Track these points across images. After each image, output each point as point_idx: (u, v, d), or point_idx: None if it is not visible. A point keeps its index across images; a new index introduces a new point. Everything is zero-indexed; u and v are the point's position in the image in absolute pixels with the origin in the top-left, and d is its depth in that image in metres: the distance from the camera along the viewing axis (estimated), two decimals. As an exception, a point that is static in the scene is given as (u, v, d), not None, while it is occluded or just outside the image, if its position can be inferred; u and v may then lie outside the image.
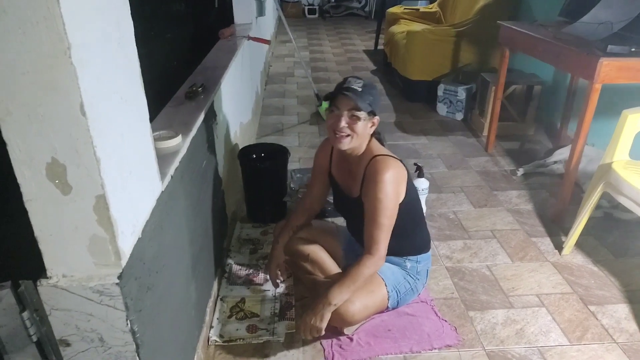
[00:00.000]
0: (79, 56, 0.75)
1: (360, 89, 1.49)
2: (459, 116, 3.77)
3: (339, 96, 1.51)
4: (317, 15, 9.11)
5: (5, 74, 0.73)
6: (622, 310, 1.80)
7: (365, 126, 1.53)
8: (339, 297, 1.50)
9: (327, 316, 1.49)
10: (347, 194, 1.71)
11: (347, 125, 1.51)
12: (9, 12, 0.70)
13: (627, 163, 1.91)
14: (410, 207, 1.63)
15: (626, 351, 1.62)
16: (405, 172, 1.60)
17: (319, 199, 1.86)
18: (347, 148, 1.56)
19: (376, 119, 1.57)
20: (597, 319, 1.76)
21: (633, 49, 1.98)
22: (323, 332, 1.51)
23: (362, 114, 1.50)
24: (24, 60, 0.72)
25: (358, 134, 1.53)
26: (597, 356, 1.60)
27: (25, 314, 0.95)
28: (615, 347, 1.64)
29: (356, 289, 1.53)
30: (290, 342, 1.66)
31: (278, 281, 1.82)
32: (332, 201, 1.95)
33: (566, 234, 2.18)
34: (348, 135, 1.53)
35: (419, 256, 1.73)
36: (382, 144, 1.67)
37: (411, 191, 1.63)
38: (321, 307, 1.49)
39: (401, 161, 1.61)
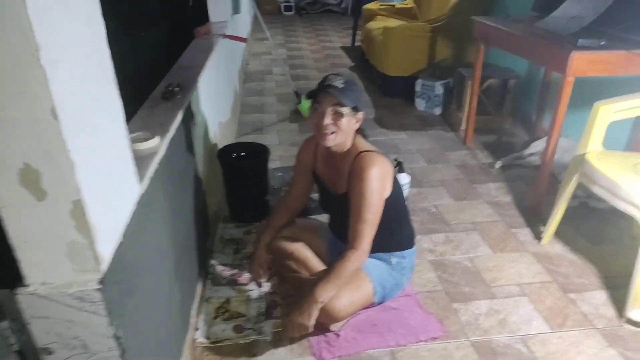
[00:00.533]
0: (48, 57, 0.73)
1: (341, 86, 1.50)
2: (437, 111, 3.81)
3: (321, 94, 1.51)
4: (293, 12, 9.07)
5: (-28, 77, 0.71)
6: (601, 296, 1.85)
7: (349, 122, 1.54)
8: (325, 294, 1.50)
9: (315, 314, 1.49)
10: (332, 191, 1.71)
11: (331, 122, 1.52)
12: (-26, 13, 0.68)
13: (600, 153, 1.96)
14: (395, 202, 1.64)
15: (606, 336, 1.67)
16: (391, 167, 1.61)
17: (300, 198, 1.86)
18: (333, 145, 1.57)
19: (360, 114, 1.58)
20: (576, 306, 1.81)
21: (603, 42, 2.02)
22: (311, 330, 1.51)
23: (345, 110, 1.51)
24: (-9, 63, 0.70)
25: (343, 130, 1.53)
26: (578, 342, 1.64)
27: (4, 324, 0.92)
28: (595, 333, 1.68)
29: (342, 285, 1.53)
30: (278, 341, 1.65)
31: (260, 281, 1.81)
32: (316, 199, 1.94)
33: (544, 224, 2.22)
34: (333, 132, 1.53)
35: (404, 252, 1.74)
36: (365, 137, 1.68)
37: (396, 187, 1.64)
38: (307, 305, 1.49)
39: (386, 156, 1.61)
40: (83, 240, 0.85)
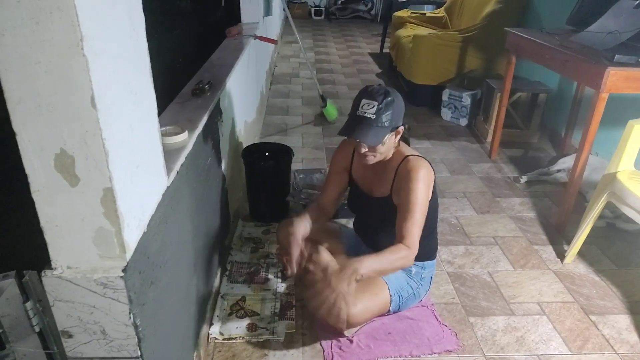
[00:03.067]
0: (91, 48, 0.75)
1: (373, 116, 1.45)
2: (463, 122, 3.77)
3: (354, 127, 1.48)
4: (323, 16, 9.12)
5: (18, 63, 0.73)
6: (624, 321, 1.80)
7: (388, 143, 1.54)
8: (367, 269, 1.41)
9: (353, 285, 1.40)
10: (367, 193, 1.70)
11: (367, 150, 1.52)
12: (23, 1, 0.70)
13: (632, 173, 1.90)
14: (432, 209, 1.63)
15: (626, 362, 1.62)
16: (434, 174, 1.60)
17: (334, 199, 1.81)
18: (374, 162, 1.57)
19: (400, 128, 1.56)
20: (598, 329, 1.76)
21: (641, 59, 1.97)
22: (345, 298, 1.40)
23: (378, 145, 1.50)
24: (36, 50, 0.72)
25: (382, 153, 1.54)
26: (597, 366, 1.60)
27: (29, 304, 0.95)
28: (616, 358, 1.63)
29: (383, 271, 1.50)
30: (290, 342, 1.65)
31: (288, 273, 1.65)
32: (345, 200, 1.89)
33: (568, 242, 2.17)
34: (372, 155, 1.54)
35: (425, 262, 1.73)
36: (408, 144, 1.68)
37: (435, 194, 1.64)
38: (348, 274, 1.40)
39: (430, 163, 1.61)
40: (110, 228, 0.87)
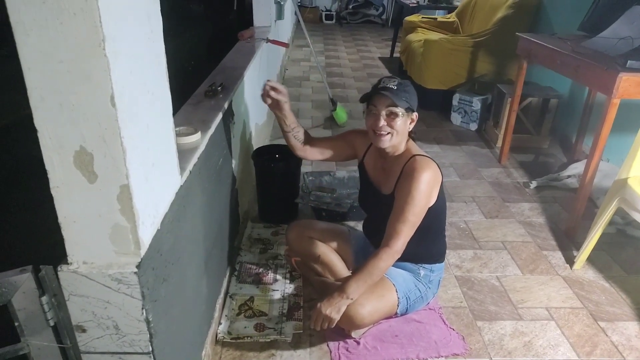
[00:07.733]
0: (112, 48, 0.77)
1: (395, 87, 1.52)
2: (473, 126, 3.76)
3: (375, 96, 1.53)
4: (334, 21, 9.15)
5: (41, 62, 0.75)
6: (633, 327, 1.79)
7: (404, 123, 1.55)
8: (356, 291, 1.51)
9: (343, 309, 1.51)
10: (377, 188, 1.71)
11: (386, 123, 1.53)
12: (48, 2, 0.72)
13: (643, 179, 1.89)
14: (438, 212, 1.63)
15: (636, 369, 1.60)
16: (441, 176, 1.60)
17: (320, 147, 1.85)
18: (388, 145, 1.58)
19: (415, 115, 1.59)
20: (607, 335, 1.75)
21: (653, 65, 1.96)
22: (333, 325, 1.52)
23: (399, 110, 1.52)
24: (60, 50, 0.75)
25: (398, 131, 1.55)
26: (606, 372, 1.59)
27: (44, 299, 0.97)
28: (625, 365, 1.62)
29: (372, 282, 1.53)
30: (298, 343, 1.66)
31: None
32: (349, 204, 1.90)
33: (578, 248, 2.16)
34: (388, 133, 1.55)
35: (433, 265, 1.73)
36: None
37: (441, 198, 1.63)
38: (338, 299, 1.50)
39: (438, 166, 1.61)
40: (126, 224, 0.89)
